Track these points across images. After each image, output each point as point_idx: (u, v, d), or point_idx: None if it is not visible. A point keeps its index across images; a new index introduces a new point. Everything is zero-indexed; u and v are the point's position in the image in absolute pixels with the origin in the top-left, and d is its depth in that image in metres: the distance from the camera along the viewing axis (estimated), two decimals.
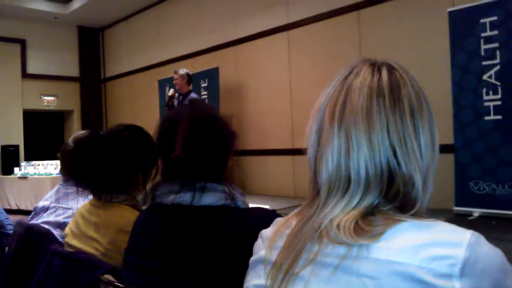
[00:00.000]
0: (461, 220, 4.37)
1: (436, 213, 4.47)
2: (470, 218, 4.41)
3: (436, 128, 0.71)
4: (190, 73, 6.58)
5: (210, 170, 1.08)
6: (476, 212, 4.44)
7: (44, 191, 6.30)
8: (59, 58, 10.00)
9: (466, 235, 0.60)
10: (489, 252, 0.60)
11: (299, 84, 6.39)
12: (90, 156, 1.35)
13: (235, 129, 1.17)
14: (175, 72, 6.54)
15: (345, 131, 0.68)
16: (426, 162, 0.68)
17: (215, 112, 1.15)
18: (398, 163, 0.66)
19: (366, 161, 0.66)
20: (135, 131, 1.42)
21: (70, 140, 1.92)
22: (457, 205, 4.59)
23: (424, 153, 0.68)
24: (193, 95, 6.52)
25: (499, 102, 4.37)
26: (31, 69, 9.59)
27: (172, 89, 6.56)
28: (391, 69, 0.71)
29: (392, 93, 0.68)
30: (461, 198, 4.56)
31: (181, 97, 6.45)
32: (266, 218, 0.91)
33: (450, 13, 4.70)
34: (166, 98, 6.67)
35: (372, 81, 0.69)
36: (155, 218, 1.10)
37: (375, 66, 0.72)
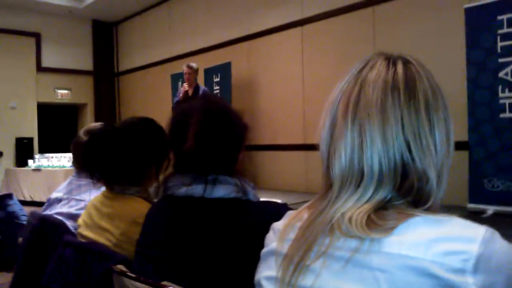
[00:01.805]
0: (475, 218, 4.30)
1: (450, 210, 4.40)
2: (484, 215, 4.37)
3: (451, 124, 0.70)
4: None
5: (222, 163, 1.08)
6: (490, 209, 4.40)
7: (58, 183, 6.36)
8: (74, 52, 10.08)
9: (480, 231, 0.60)
10: (503, 247, 0.59)
11: (312, 79, 6.36)
12: (104, 148, 1.36)
13: (247, 122, 1.17)
14: (188, 66, 6.44)
15: (359, 125, 0.67)
16: (441, 158, 0.68)
17: (228, 105, 1.15)
18: (412, 158, 0.65)
19: (379, 156, 0.65)
20: (148, 124, 1.43)
21: (81, 132, 1.94)
22: (471, 202, 4.55)
23: (439, 149, 0.67)
24: (203, 87, 6.52)
25: None
26: (46, 62, 9.68)
27: (185, 84, 6.45)
28: (406, 63, 0.70)
29: (407, 87, 0.67)
30: (475, 195, 4.52)
31: (191, 91, 6.38)
32: (277, 210, 0.91)
33: (467, 9, 4.63)
34: (180, 94, 6.56)
35: (387, 75, 0.68)
36: (167, 210, 1.11)
37: (390, 60, 0.71)
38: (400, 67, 0.69)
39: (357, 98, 0.69)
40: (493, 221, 4.17)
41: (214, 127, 1.07)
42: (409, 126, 0.66)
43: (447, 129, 0.69)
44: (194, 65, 6.53)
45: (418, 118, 0.66)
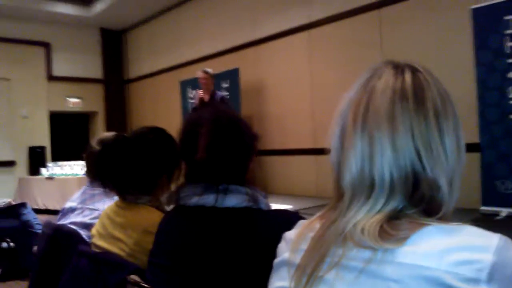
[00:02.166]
0: (488, 220, 4.28)
1: (462, 212, 4.39)
2: (497, 217, 4.32)
3: (461, 131, 0.70)
4: None
5: (233, 172, 1.09)
6: (503, 211, 4.35)
7: (71, 191, 6.42)
8: (83, 60, 10.17)
9: (493, 239, 0.59)
10: None
11: (320, 83, 6.36)
12: (116, 158, 1.38)
13: (257, 131, 1.17)
14: (204, 72, 6.28)
15: (368, 135, 0.67)
16: (452, 166, 0.67)
17: (237, 114, 1.16)
18: (423, 167, 0.65)
19: (390, 165, 0.65)
20: (159, 134, 1.44)
21: (94, 142, 1.96)
22: (483, 205, 4.50)
23: (449, 156, 0.67)
24: (220, 93, 6.39)
25: None
26: (56, 71, 9.77)
27: (200, 90, 6.30)
28: (414, 71, 0.70)
29: (416, 95, 0.67)
30: (487, 197, 4.48)
31: (208, 97, 6.24)
32: (289, 220, 0.91)
33: (474, 10, 4.61)
34: (195, 101, 6.48)
35: (395, 84, 0.68)
36: (179, 220, 1.12)
37: (398, 68, 0.71)
38: (408, 76, 0.69)
39: (366, 107, 0.69)
40: (506, 224, 4.13)
41: (224, 137, 1.07)
42: (419, 135, 0.66)
43: (457, 136, 0.69)
44: (210, 70, 6.39)
45: (427, 127, 0.66)
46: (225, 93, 6.71)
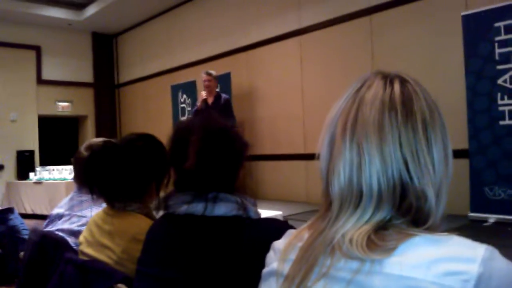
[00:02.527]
0: (477, 226, 4.31)
1: (451, 219, 4.42)
2: (485, 224, 4.35)
3: (449, 142, 0.70)
4: None
5: (222, 181, 1.08)
6: (492, 218, 4.38)
7: (59, 196, 6.36)
8: (74, 64, 10.13)
9: (480, 250, 0.59)
10: (503, 267, 0.59)
11: (311, 88, 6.38)
12: (104, 165, 1.37)
13: (247, 138, 1.17)
14: (208, 73, 6.16)
15: (357, 144, 0.67)
16: (439, 176, 0.68)
17: (227, 122, 1.15)
18: (411, 177, 0.65)
19: (378, 175, 0.65)
20: (148, 140, 1.43)
21: (82, 148, 1.94)
22: (472, 211, 4.53)
23: (437, 167, 0.67)
24: (224, 96, 6.27)
25: None
26: (46, 75, 9.72)
27: (203, 92, 6.16)
28: (403, 82, 0.71)
29: (405, 106, 0.68)
30: (476, 204, 4.51)
31: (212, 100, 6.13)
32: (278, 229, 0.90)
33: (464, 17, 4.66)
34: (198, 103, 6.27)
35: (384, 94, 0.69)
36: (168, 228, 1.11)
37: (387, 79, 0.71)
38: (397, 86, 0.70)
39: (355, 117, 0.69)
40: (494, 230, 4.16)
41: (214, 145, 1.07)
42: (407, 145, 0.66)
43: (445, 147, 0.69)
44: (213, 72, 6.27)
45: (415, 137, 0.67)
46: (228, 96, 6.50)
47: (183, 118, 7.64)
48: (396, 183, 0.65)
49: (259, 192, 6.80)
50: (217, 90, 6.39)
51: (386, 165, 0.65)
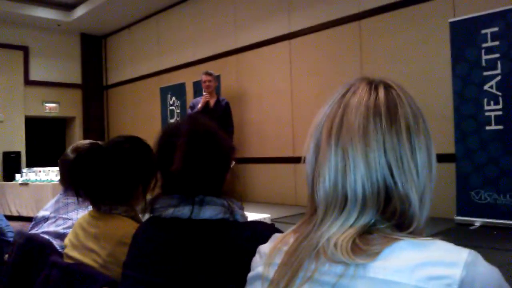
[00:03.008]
0: (463, 230, 4.36)
1: (438, 222, 4.46)
2: (471, 228, 4.40)
3: (433, 147, 0.71)
4: None
5: (209, 183, 1.08)
6: (478, 222, 4.43)
7: (45, 198, 6.30)
8: (62, 65, 10.05)
9: (463, 255, 0.60)
10: (486, 271, 0.60)
11: (300, 92, 6.40)
12: (90, 168, 1.36)
13: (236, 141, 1.17)
14: (208, 73, 5.93)
15: (342, 150, 0.68)
16: (423, 181, 0.68)
17: (214, 125, 1.15)
18: (395, 182, 0.66)
19: (362, 180, 0.66)
20: (135, 143, 1.43)
21: (69, 150, 1.92)
22: (458, 214, 4.58)
23: (420, 172, 0.68)
24: (224, 100, 6.11)
25: (500, 112, 4.38)
26: (34, 76, 9.63)
27: (206, 94, 5.92)
28: (388, 87, 0.72)
29: (389, 112, 0.68)
30: (462, 207, 4.56)
31: (213, 102, 5.94)
32: (264, 233, 0.91)
33: (451, 23, 4.71)
34: (198, 105, 5.96)
35: (369, 100, 0.69)
36: (154, 231, 1.10)
37: (372, 85, 0.72)
38: (381, 92, 0.70)
39: (340, 122, 0.70)
40: (480, 234, 4.20)
41: (201, 148, 1.07)
42: (391, 151, 0.67)
43: (428, 152, 0.70)
44: (213, 72, 6.08)
45: (399, 142, 0.67)
46: (227, 100, 6.33)
47: (172, 121, 7.61)
48: (381, 187, 0.66)
49: (248, 195, 6.80)
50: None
51: (370, 170, 0.66)
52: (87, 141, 1.63)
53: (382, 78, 0.74)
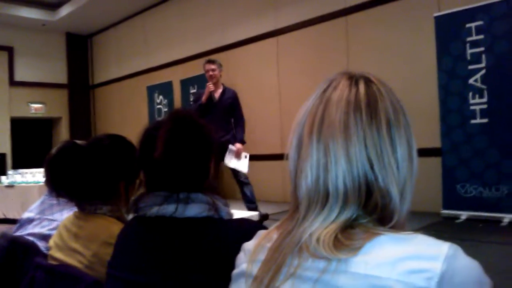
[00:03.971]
0: (449, 223, 4.40)
1: (424, 216, 4.50)
2: (457, 221, 4.45)
3: (414, 141, 0.71)
4: None
5: (193, 177, 1.07)
6: (464, 215, 4.48)
7: (32, 200, 6.22)
8: (47, 65, 9.95)
9: (443, 248, 0.60)
10: (466, 265, 0.60)
11: (288, 89, 6.41)
12: (67, 166, 1.34)
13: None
14: (211, 62, 5.30)
15: (323, 145, 0.68)
16: (403, 175, 0.69)
17: (197, 116, 1.14)
18: (375, 177, 0.66)
19: (344, 175, 0.66)
20: (115, 139, 1.41)
21: (53, 151, 1.90)
22: (444, 208, 4.63)
23: (401, 166, 0.68)
24: (231, 90, 5.42)
25: (485, 106, 4.43)
26: (19, 76, 9.53)
27: (209, 84, 5.23)
28: (368, 82, 0.71)
29: (369, 106, 0.68)
30: (448, 201, 4.61)
31: (219, 94, 5.29)
32: (249, 230, 0.90)
33: (436, 18, 4.75)
34: (202, 96, 5.29)
35: (349, 95, 0.69)
36: (139, 231, 1.10)
37: (353, 79, 0.72)
38: (362, 87, 0.70)
39: (321, 118, 0.69)
40: (466, 227, 4.25)
41: (183, 135, 1.06)
42: (372, 145, 0.67)
43: (409, 146, 0.70)
44: (217, 60, 5.42)
45: (380, 137, 0.67)
46: (235, 91, 5.51)
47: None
48: (362, 182, 0.66)
49: (236, 192, 6.80)
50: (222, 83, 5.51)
51: (351, 165, 0.66)
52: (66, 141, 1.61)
53: (363, 72, 0.74)
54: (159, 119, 1.19)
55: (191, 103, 5.66)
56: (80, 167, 1.34)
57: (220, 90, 5.29)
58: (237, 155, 5.13)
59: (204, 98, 5.21)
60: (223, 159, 5.05)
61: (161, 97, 7.90)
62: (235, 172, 5.14)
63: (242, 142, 5.21)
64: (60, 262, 1.33)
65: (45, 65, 9.93)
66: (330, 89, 0.72)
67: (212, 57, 7.54)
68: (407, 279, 0.57)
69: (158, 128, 1.07)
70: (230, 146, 5.08)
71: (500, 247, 3.44)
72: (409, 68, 5.19)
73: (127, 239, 1.11)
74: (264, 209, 5.28)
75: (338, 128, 0.67)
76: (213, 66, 5.24)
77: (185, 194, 1.05)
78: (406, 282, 0.57)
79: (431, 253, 0.59)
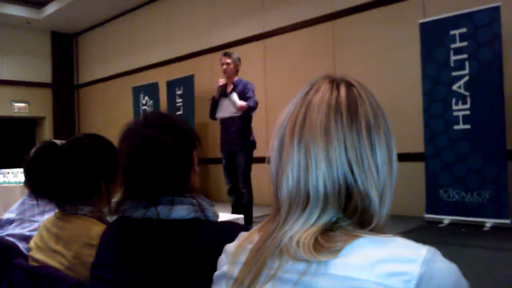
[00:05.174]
0: (432, 228, 4.45)
1: (407, 220, 4.54)
2: (440, 225, 4.50)
3: (394, 145, 0.72)
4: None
5: (172, 184, 1.05)
6: (446, 219, 4.53)
7: (14, 200, 6.12)
8: (31, 64, 9.83)
9: (422, 251, 0.61)
10: (444, 268, 0.61)
11: (274, 92, 6.42)
12: (46, 167, 1.33)
13: (200, 139, 1.15)
14: (227, 55, 4.99)
15: (304, 148, 0.68)
16: (383, 179, 0.69)
17: (174, 121, 1.12)
18: (355, 180, 0.67)
19: (324, 177, 0.66)
20: (95, 139, 1.40)
21: (32, 151, 1.87)
22: (427, 212, 4.67)
23: (380, 170, 0.69)
24: (245, 82, 5.07)
25: (468, 112, 4.49)
26: (2, 75, 9.40)
27: (222, 79, 5.01)
28: (349, 85, 0.72)
29: (350, 110, 0.69)
30: (431, 205, 4.65)
31: (231, 87, 4.99)
32: (232, 232, 0.90)
33: (421, 24, 4.81)
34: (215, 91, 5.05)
35: (330, 98, 0.70)
36: (124, 232, 1.09)
37: (334, 83, 0.72)
38: (343, 90, 0.71)
39: (302, 121, 0.70)
40: (449, 231, 4.30)
41: (148, 149, 1.03)
42: (352, 148, 0.67)
43: (389, 150, 0.71)
44: (234, 54, 5.05)
45: (360, 140, 0.68)
46: (250, 83, 5.15)
47: None
48: (341, 185, 0.67)
49: (223, 195, 6.78)
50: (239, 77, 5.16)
51: (331, 168, 0.67)
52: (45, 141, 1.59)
53: (344, 76, 0.74)
54: (134, 121, 1.15)
55: (209, 100, 5.21)
56: (59, 167, 1.32)
57: (231, 84, 5.00)
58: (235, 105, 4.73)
59: (216, 94, 4.97)
60: (233, 167, 4.93)
61: (146, 98, 7.85)
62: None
63: (248, 106, 4.75)
64: (40, 263, 1.32)
65: (30, 63, 9.81)
66: (311, 92, 0.72)
67: (199, 59, 7.56)
68: (385, 281, 0.58)
69: (128, 137, 1.06)
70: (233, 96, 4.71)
71: (483, 251, 3.49)
72: (394, 73, 5.25)
73: (112, 240, 1.10)
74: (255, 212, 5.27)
75: (319, 131, 0.68)
76: (228, 60, 4.93)
77: (169, 197, 1.04)
78: (384, 285, 0.58)
79: (409, 256, 0.60)
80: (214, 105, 4.99)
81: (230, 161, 4.99)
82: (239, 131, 4.89)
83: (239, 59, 5.02)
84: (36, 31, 9.88)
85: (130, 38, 8.94)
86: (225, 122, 4.92)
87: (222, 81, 4.96)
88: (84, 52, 10.44)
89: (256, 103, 4.87)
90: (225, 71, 4.95)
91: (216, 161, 7.03)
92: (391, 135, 0.72)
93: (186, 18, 7.77)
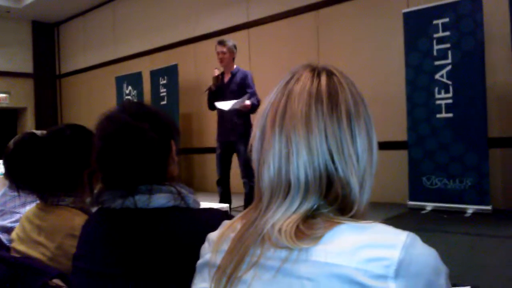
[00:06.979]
0: (415, 214, 4.51)
1: (391, 207, 4.60)
2: (423, 212, 4.57)
3: (374, 133, 0.73)
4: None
5: (148, 171, 1.04)
6: (429, 206, 4.60)
7: None
8: (12, 54, 9.65)
9: (401, 237, 0.62)
10: (423, 253, 0.62)
11: (259, 81, 6.39)
12: (26, 159, 1.31)
13: (178, 127, 1.14)
14: (221, 44, 4.80)
15: (286, 136, 0.69)
16: (363, 166, 0.70)
17: (152, 110, 1.11)
18: (336, 168, 0.67)
19: (305, 166, 0.67)
20: (77, 130, 1.39)
21: (11, 142, 1.85)
22: (411, 199, 4.74)
23: (360, 157, 0.69)
24: (244, 71, 4.91)
25: (450, 101, 4.54)
26: None
27: (216, 69, 4.83)
28: (330, 74, 0.73)
29: (330, 98, 0.69)
30: (414, 192, 4.72)
31: (228, 77, 4.84)
32: (215, 220, 0.90)
33: (405, 14, 4.83)
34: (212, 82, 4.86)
35: (311, 87, 0.70)
36: (104, 223, 1.08)
37: (315, 72, 0.73)
38: (323, 79, 0.71)
39: (283, 109, 0.70)
40: (431, 217, 4.37)
41: (121, 139, 1.02)
42: (332, 136, 0.68)
43: (369, 137, 0.72)
44: (229, 41, 4.84)
45: (340, 128, 0.68)
46: (250, 72, 4.98)
47: None
48: (322, 173, 0.67)
49: (207, 185, 6.78)
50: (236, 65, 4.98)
51: (312, 156, 0.67)
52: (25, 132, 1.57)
53: (325, 65, 0.75)
54: (111, 111, 1.14)
55: (206, 91, 5.03)
56: (40, 158, 1.31)
57: (228, 74, 4.82)
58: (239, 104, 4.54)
59: (212, 84, 4.81)
60: (230, 160, 4.89)
61: (130, 87, 7.78)
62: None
63: (252, 104, 4.61)
64: (23, 255, 1.31)
65: (10, 53, 9.62)
66: (292, 81, 0.73)
67: (183, 48, 7.49)
68: (366, 267, 0.59)
69: (101, 129, 1.06)
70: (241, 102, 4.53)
71: (464, 237, 3.55)
72: (378, 62, 5.27)
73: (93, 231, 1.10)
74: (238, 201, 5.28)
75: (299, 120, 0.68)
76: (223, 49, 4.75)
77: (147, 186, 1.04)
78: (365, 270, 0.59)
79: (389, 242, 0.61)
80: (212, 95, 4.82)
81: (225, 152, 4.94)
82: (239, 120, 4.77)
83: (235, 46, 4.84)
84: (16, 20, 9.69)
85: (114, 27, 8.82)
86: (225, 112, 4.75)
87: (216, 71, 4.79)
88: (65, 42, 10.27)
89: (258, 102, 4.74)
90: (221, 61, 4.78)
91: (201, 151, 7.03)
92: (371, 123, 0.73)
93: (170, 7, 7.68)
